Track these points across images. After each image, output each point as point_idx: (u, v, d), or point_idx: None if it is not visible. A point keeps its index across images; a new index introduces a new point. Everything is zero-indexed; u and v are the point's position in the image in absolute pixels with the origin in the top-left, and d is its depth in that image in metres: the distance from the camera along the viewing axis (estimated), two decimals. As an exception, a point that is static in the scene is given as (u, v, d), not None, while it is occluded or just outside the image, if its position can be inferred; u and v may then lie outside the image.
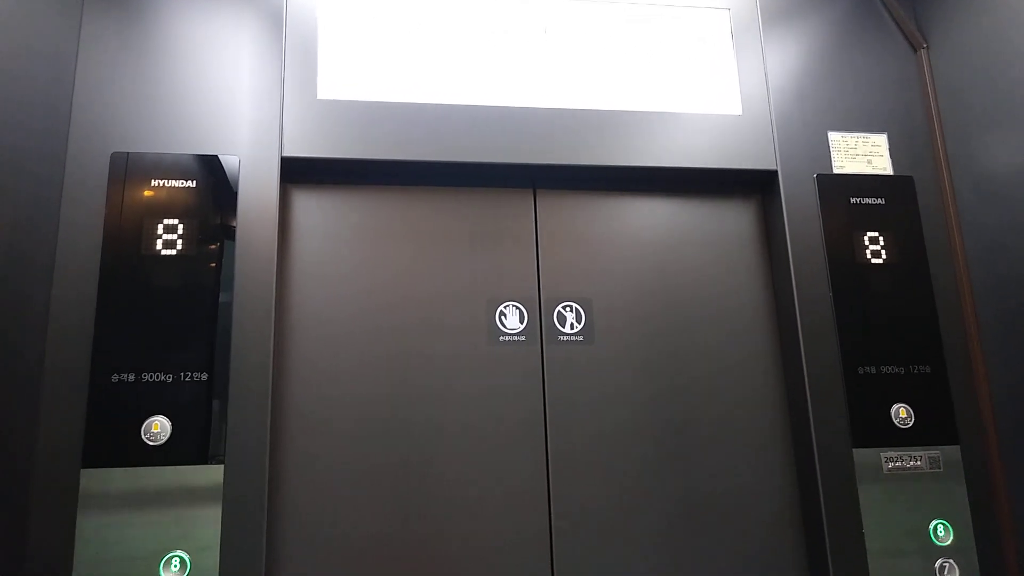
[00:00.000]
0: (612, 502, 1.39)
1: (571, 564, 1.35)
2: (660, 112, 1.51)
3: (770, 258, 1.55)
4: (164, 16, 1.39)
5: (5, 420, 1.11)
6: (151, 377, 1.22)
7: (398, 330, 1.40)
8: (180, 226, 1.28)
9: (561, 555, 1.35)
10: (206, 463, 1.20)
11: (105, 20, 1.36)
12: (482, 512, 1.35)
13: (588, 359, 1.45)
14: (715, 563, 1.39)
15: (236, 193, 1.32)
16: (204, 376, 1.23)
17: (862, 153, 1.53)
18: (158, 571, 1.15)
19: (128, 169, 1.29)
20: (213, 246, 1.29)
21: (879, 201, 1.50)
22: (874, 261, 1.46)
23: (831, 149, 1.53)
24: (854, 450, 1.37)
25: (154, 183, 1.30)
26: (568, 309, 1.46)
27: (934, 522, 1.36)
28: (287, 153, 1.36)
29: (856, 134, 1.54)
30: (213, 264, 1.28)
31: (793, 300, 1.44)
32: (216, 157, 1.33)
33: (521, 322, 1.44)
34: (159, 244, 1.27)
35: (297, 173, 1.41)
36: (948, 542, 1.35)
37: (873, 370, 1.41)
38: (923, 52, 1.60)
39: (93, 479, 1.17)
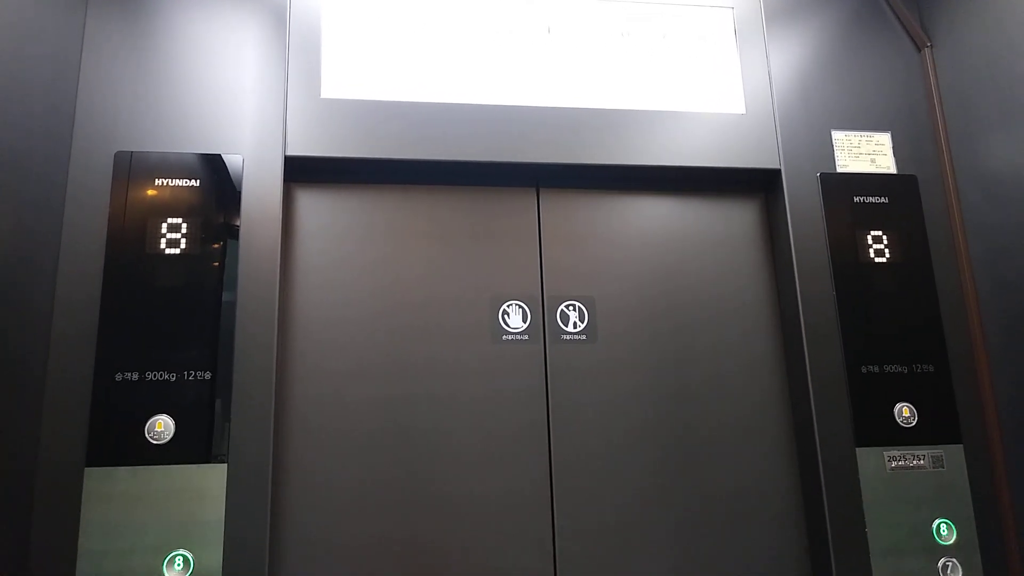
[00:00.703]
0: (615, 500, 1.39)
1: (575, 563, 1.35)
2: (663, 111, 1.51)
3: (773, 257, 1.55)
4: (168, 15, 1.39)
5: (9, 419, 1.11)
6: (155, 376, 1.22)
7: (401, 329, 1.40)
8: (184, 225, 1.28)
9: (565, 555, 1.35)
10: (209, 462, 1.20)
11: (109, 19, 1.36)
12: (485, 510, 1.35)
13: (591, 358, 1.45)
14: (718, 561, 1.39)
15: (240, 192, 1.32)
16: (208, 375, 1.23)
17: (866, 152, 1.53)
18: (161, 570, 1.15)
19: (132, 168, 1.29)
20: (217, 245, 1.29)
21: (883, 200, 1.50)
22: (878, 260, 1.46)
23: (835, 148, 1.52)
24: (857, 449, 1.37)
25: (158, 182, 1.30)
26: (571, 308, 1.46)
27: (937, 521, 1.36)
28: (291, 152, 1.36)
29: (860, 133, 1.54)
30: (217, 263, 1.28)
31: (796, 299, 1.44)
32: (220, 156, 1.33)
33: (524, 321, 1.44)
34: (163, 243, 1.27)
35: (301, 172, 1.41)
36: (951, 541, 1.35)
37: (876, 369, 1.41)
38: (927, 51, 1.60)
39: (97, 478, 1.17)
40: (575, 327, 1.46)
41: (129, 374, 1.21)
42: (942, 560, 1.34)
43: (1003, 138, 1.41)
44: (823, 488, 1.35)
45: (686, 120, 1.51)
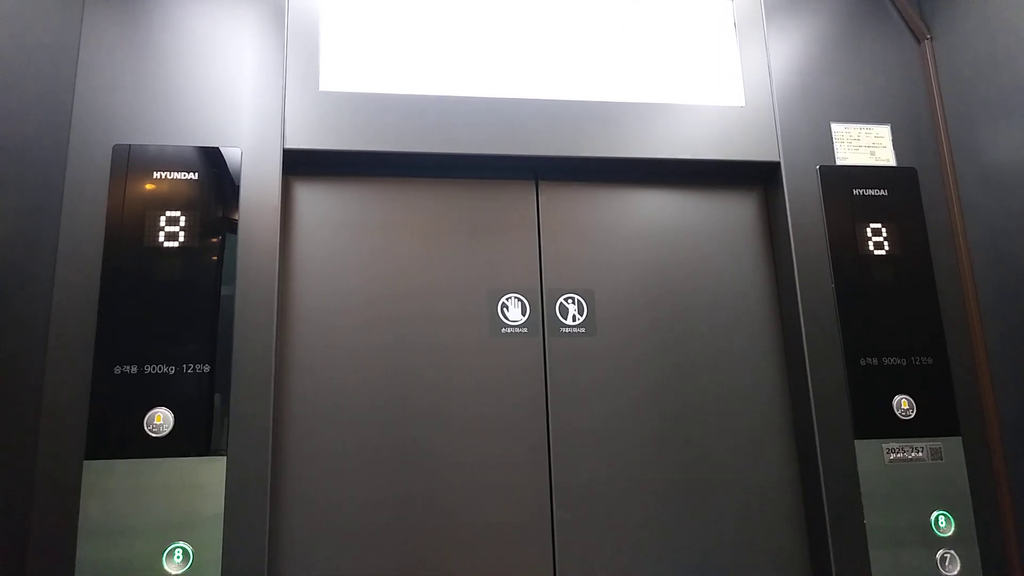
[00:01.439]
0: (613, 492, 1.39)
1: (573, 555, 1.35)
2: (663, 104, 1.50)
3: (772, 250, 1.55)
4: (166, 7, 1.38)
5: (8, 413, 1.11)
6: (154, 369, 1.22)
7: (400, 322, 1.40)
8: (182, 218, 1.28)
9: (563, 546, 1.35)
10: (209, 455, 1.20)
11: (107, 12, 1.36)
12: (485, 503, 1.35)
13: (590, 351, 1.45)
14: (717, 553, 1.39)
15: (238, 185, 1.32)
16: (207, 368, 1.23)
17: (865, 144, 1.53)
18: (161, 562, 1.16)
19: (130, 161, 1.29)
20: (215, 238, 1.28)
21: (882, 193, 1.50)
22: (877, 253, 1.46)
23: (834, 140, 1.52)
24: (856, 441, 1.37)
25: (156, 175, 1.29)
26: (570, 301, 1.46)
27: (935, 513, 1.36)
28: (289, 145, 1.36)
29: (859, 125, 1.54)
30: (215, 256, 1.28)
31: (795, 291, 1.44)
32: (218, 149, 1.33)
33: (523, 314, 1.44)
34: (161, 236, 1.27)
35: (299, 165, 1.41)
36: (949, 533, 1.35)
37: (875, 361, 1.41)
38: (927, 43, 1.59)
39: (96, 471, 1.17)
40: (574, 320, 1.46)
41: (128, 367, 1.21)
42: (940, 552, 1.34)
43: (1003, 130, 1.41)
44: (822, 480, 1.35)
45: (685, 113, 1.50)
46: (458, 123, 1.42)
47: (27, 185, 1.18)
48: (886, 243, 1.47)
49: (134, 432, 1.19)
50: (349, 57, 1.44)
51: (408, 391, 1.37)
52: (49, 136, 1.24)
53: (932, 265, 1.48)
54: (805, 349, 1.41)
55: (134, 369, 1.21)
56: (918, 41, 1.61)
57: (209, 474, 1.20)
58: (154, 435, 1.20)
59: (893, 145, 1.54)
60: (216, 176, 1.31)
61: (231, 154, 1.33)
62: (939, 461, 1.39)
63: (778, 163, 1.50)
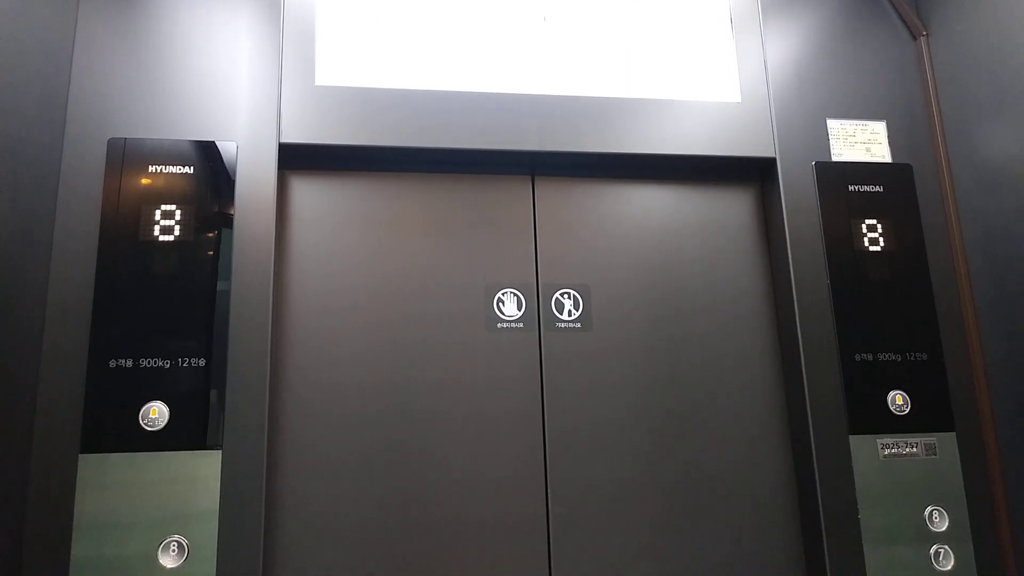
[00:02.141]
0: (609, 488, 1.39)
1: (568, 549, 1.36)
2: (659, 99, 1.51)
3: (768, 245, 1.55)
4: (162, 0, 1.38)
5: (3, 406, 1.11)
6: (149, 363, 1.22)
7: (396, 317, 1.40)
8: (178, 212, 1.28)
9: (558, 540, 1.36)
10: (204, 449, 1.20)
11: (102, 4, 1.35)
12: (479, 498, 1.35)
13: (586, 346, 1.45)
14: (711, 549, 1.40)
15: (234, 179, 1.32)
16: (202, 362, 1.23)
17: (861, 141, 1.53)
18: (156, 556, 1.16)
19: (126, 155, 1.29)
20: (211, 232, 1.28)
21: (877, 189, 1.50)
22: (872, 249, 1.46)
23: (830, 137, 1.52)
24: (850, 436, 1.37)
25: (151, 169, 1.29)
26: (566, 296, 1.46)
27: (929, 508, 1.36)
28: (285, 139, 1.36)
29: (855, 122, 1.54)
30: (211, 250, 1.28)
31: (791, 287, 1.44)
32: (213, 143, 1.32)
33: (519, 309, 1.44)
34: (157, 230, 1.27)
35: (295, 159, 1.41)
36: (943, 528, 1.36)
37: (870, 357, 1.41)
38: (923, 39, 1.60)
39: (91, 465, 1.17)
40: (570, 315, 1.46)
41: (123, 361, 1.21)
42: (934, 547, 1.35)
43: (998, 126, 1.41)
44: (816, 475, 1.35)
45: (682, 108, 1.50)
46: (454, 118, 1.42)
47: (22, 178, 1.17)
48: (881, 239, 1.47)
49: (129, 426, 1.19)
50: (345, 51, 1.44)
51: (403, 386, 1.38)
52: (44, 130, 1.24)
53: (927, 261, 1.48)
54: (800, 344, 1.41)
55: (129, 363, 1.21)
56: (914, 37, 1.62)
57: (204, 468, 1.20)
58: (149, 429, 1.20)
59: (889, 141, 1.55)
60: (212, 170, 1.31)
61: (227, 148, 1.33)
62: (933, 456, 1.39)
63: (774, 159, 1.50)
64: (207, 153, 1.32)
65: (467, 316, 1.43)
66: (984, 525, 1.38)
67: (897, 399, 1.40)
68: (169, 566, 1.15)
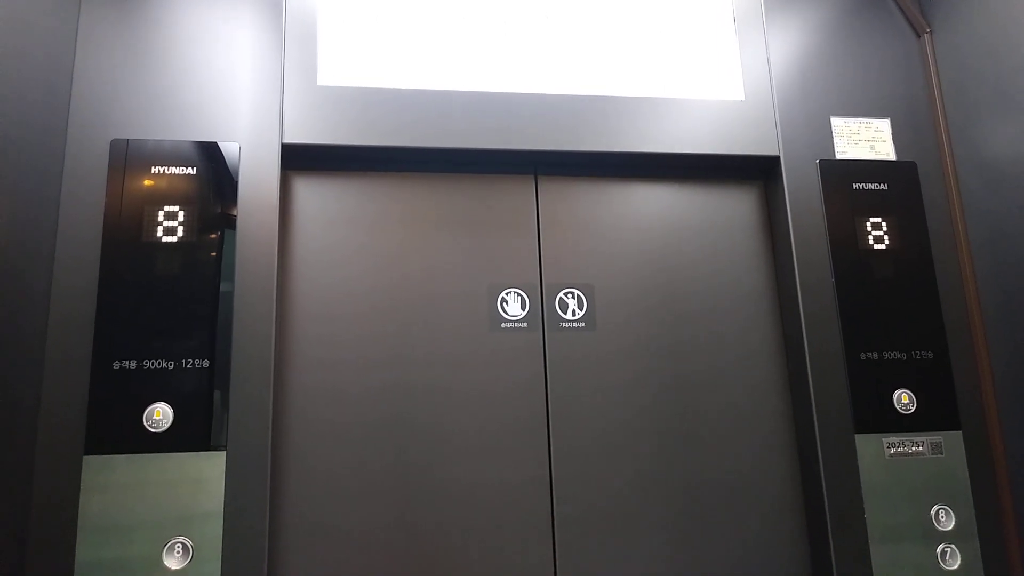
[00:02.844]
0: (614, 488, 1.39)
1: (574, 551, 1.35)
2: (662, 98, 1.50)
3: (772, 244, 1.55)
4: (163, 1, 1.38)
5: (7, 408, 1.11)
6: (152, 364, 1.22)
7: (399, 316, 1.40)
8: (180, 213, 1.28)
9: (564, 542, 1.35)
10: (208, 450, 1.20)
11: (104, 5, 1.35)
12: (484, 499, 1.35)
13: (590, 346, 1.44)
14: (717, 548, 1.39)
15: (236, 180, 1.31)
16: (206, 363, 1.23)
17: (865, 138, 1.53)
18: (161, 557, 1.15)
19: (128, 156, 1.29)
20: (214, 233, 1.28)
21: (882, 187, 1.50)
22: (876, 247, 1.46)
23: (834, 134, 1.52)
24: (856, 436, 1.37)
25: (154, 170, 1.29)
26: (570, 295, 1.46)
27: (936, 507, 1.36)
28: (287, 140, 1.36)
29: (859, 119, 1.54)
30: (214, 251, 1.27)
31: (795, 286, 1.43)
32: (216, 144, 1.32)
33: (523, 309, 1.44)
34: (159, 231, 1.26)
35: (297, 160, 1.41)
36: (950, 527, 1.35)
37: (875, 356, 1.41)
38: (927, 37, 1.59)
39: (95, 466, 1.17)
40: (574, 315, 1.45)
41: (127, 362, 1.21)
42: (941, 546, 1.34)
43: (1003, 124, 1.41)
44: (822, 475, 1.35)
45: (685, 107, 1.50)
46: (457, 118, 1.42)
47: (25, 180, 1.17)
48: (886, 237, 1.47)
49: (133, 427, 1.19)
50: (347, 51, 1.44)
51: (407, 387, 1.37)
52: (47, 131, 1.24)
53: (932, 259, 1.48)
54: (805, 343, 1.40)
55: (133, 364, 1.21)
56: (918, 35, 1.61)
57: (209, 469, 1.20)
58: (153, 430, 1.19)
59: (893, 139, 1.54)
60: (214, 171, 1.31)
61: (229, 149, 1.32)
62: (939, 455, 1.38)
63: (778, 157, 1.50)
64: (210, 154, 1.31)
65: (471, 316, 1.42)
66: (991, 524, 1.37)
67: (903, 398, 1.40)
68: (173, 567, 1.15)
